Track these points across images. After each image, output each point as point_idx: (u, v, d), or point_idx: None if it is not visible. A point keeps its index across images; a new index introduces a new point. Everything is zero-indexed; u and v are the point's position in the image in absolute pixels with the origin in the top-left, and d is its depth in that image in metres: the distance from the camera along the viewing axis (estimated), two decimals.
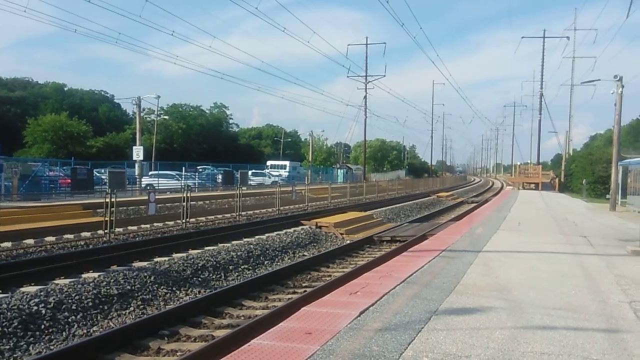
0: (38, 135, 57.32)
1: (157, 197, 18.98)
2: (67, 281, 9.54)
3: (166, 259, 11.98)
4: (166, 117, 74.33)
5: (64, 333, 7.85)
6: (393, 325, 5.18)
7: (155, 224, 18.10)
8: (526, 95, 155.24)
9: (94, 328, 8.23)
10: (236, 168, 47.95)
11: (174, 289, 10.54)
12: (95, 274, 10.15)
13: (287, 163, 64.26)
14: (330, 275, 11.91)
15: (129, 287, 9.85)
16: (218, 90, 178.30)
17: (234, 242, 14.77)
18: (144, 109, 52.96)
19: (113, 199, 15.28)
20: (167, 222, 18.72)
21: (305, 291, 9.94)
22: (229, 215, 22.00)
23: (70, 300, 8.67)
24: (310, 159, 72.47)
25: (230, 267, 12.58)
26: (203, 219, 20.48)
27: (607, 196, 30.14)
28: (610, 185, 29.11)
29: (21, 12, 24.26)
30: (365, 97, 54.88)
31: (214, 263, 12.39)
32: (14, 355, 6.97)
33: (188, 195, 18.51)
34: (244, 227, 17.88)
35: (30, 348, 7.22)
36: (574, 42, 61.71)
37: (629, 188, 29.47)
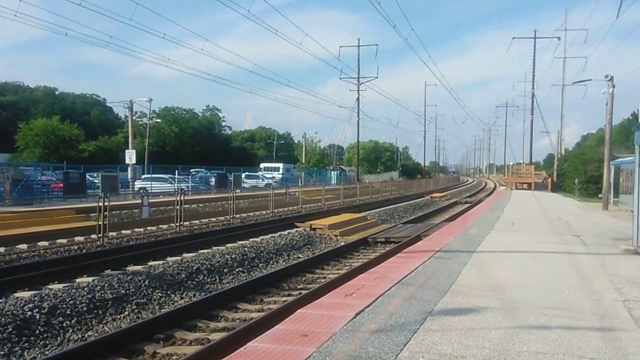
0: (30, 139, 56.90)
1: (150, 200, 18.91)
2: (61, 286, 9.49)
3: (160, 262, 11.95)
4: (158, 120, 74.06)
5: (58, 338, 7.81)
6: (389, 326, 5.19)
7: (149, 228, 18.05)
8: (518, 95, 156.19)
9: (89, 333, 8.20)
10: (229, 171, 47.89)
11: (169, 292, 10.51)
12: (90, 279, 10.12)
13: (280, 165, 64.25)
14: (325, 277, 11.91)
15: (123, 291, 9.81)
16: (210, 93, 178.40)
17: (228, 245, 14.74)
18: (136, 112, 52.74)
19: (106, 203, 15.22)
20: (160, 226, 18.68)
21: (300, 293, 9.93)
22: (222, 218, 21.97)
23: (64, 305, 8.63)
24: (303, 161, 72.50)
25: (225, 270, 12.56)
26: (197, 222, 20.44)
27: (600, 195, 30.31)
28: (602, 184, 29.27)
29: (11, 16, 24.16)
30: (357, 99, 55.15)
31: (209, 266, 12.37)
32: None
33: (181, 198, 18.47)
34: (238, 230, 17.84)
35: (25, 353, 7.18)
36: (565, 43, 62.19)
37: (621, 187, 29.65)
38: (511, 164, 77.87)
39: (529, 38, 60.32)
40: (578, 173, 43.83)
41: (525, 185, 55.32)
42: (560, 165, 56.81)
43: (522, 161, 75.91)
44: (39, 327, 7.83)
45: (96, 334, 8.06)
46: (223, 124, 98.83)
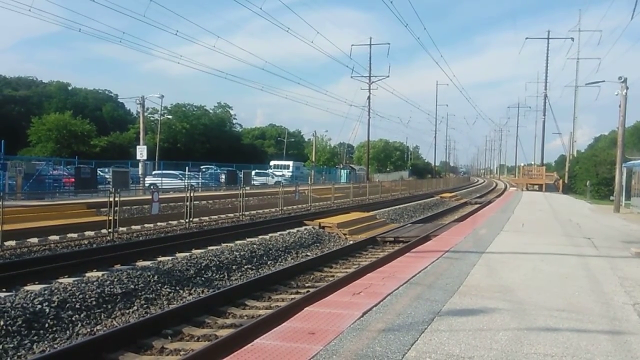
0: (42, 134, 57.56)
1: (160, 196, 18.98)
2: (70, 280, 9.56)
3: (169, 258, 12.00)
4: (170, 116, 74.35)
5: (67, 332, 7.87)
6: (396, 326, 5.18)
7: (158, 224, 18.14)
8: (530, 96, 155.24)
9: (98, 327, 8.25)
10: (239, 168, 48.03)
11: (178, 288, 10.56)
12: (99, 273, 10.18)
13: (290, 163, 64.27)
14: (333, 276, 11.91)
15: (132, 286, 9.87)
16: (222, 90, 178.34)
17: (237, 242, 14.78)
18: (147, 109, 53.09)
19: (117, 198, 15.30)
20: (170, 222, 18.75)
21: (308, 291, 9.94)
22: (232, 215, 22.03)
23: (74, 299, 8.69)
24: (313, 159, 72.48)
25: (234, 267, 12.60)
26: (206, 218, 20.52)
27: (611, 198, 30.05)
28: (614, 186, 29.03)
29: (26, 11, 24.31)
30: (368, 98, 54.98)
31: (217, 263, 12.41)
32: (18, 354, 6.99)
33: (191, 194, 18.54)
34: (247, 227, 17.89)
35: (34, 347, 7.24)
36: (579, 43, 61.73)
37: (633, 190, 29.44)
38: (522, 164, 77.40)
39: (542, 39, 59.95)
40: (590, 175, 43.55)
41: (536, 187, 54.91)
42: (572, 167, 56.46)
43: (533, 162, 75.59)
44: (49, 321, 7.90)
45: (105, 329, 8.12)
46: (234, 121, 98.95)
